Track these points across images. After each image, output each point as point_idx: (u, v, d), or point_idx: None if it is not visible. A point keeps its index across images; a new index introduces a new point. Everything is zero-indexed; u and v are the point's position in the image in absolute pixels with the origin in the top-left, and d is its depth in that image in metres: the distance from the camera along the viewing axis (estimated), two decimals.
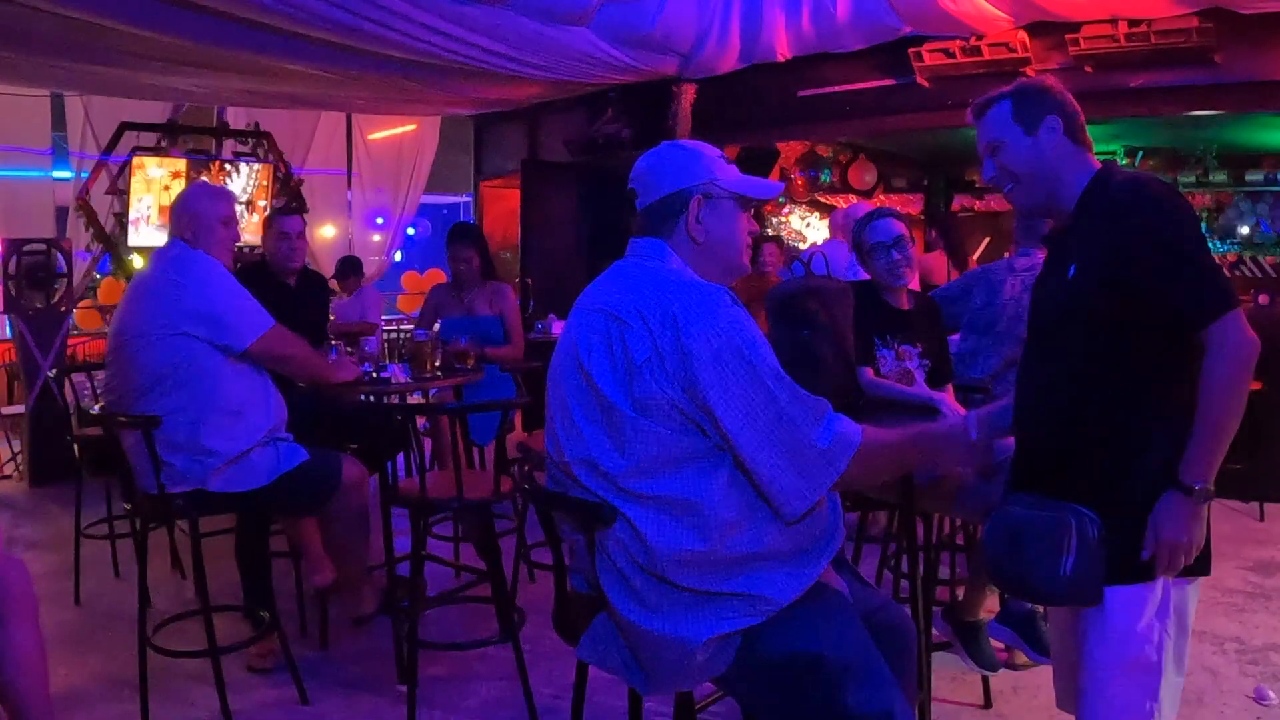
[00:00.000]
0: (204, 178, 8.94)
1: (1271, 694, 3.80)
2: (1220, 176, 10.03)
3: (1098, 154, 8.68)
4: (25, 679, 2.86)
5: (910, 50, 7.01)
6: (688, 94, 7.94)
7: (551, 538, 2.58)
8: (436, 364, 4.77)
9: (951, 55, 6.93)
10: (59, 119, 9.08)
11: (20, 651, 2.84)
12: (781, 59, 7.40)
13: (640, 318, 2.21)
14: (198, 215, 3.91)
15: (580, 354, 2.31)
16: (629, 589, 2.28)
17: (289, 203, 9.28)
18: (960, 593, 4.11)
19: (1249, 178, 9.89)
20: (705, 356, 2.14)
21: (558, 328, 6.65)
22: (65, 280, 7.90)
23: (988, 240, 9.33)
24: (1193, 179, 10.13)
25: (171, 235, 3.94)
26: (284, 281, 4.94)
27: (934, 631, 3.78)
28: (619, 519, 2.24)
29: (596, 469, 2.27)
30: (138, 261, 8.90)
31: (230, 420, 3.74)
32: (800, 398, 2.21)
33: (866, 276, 3.99)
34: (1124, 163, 10.29)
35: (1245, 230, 10.08)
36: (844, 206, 6.56)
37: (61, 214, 9.37)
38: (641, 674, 2.35)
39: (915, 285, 4.60)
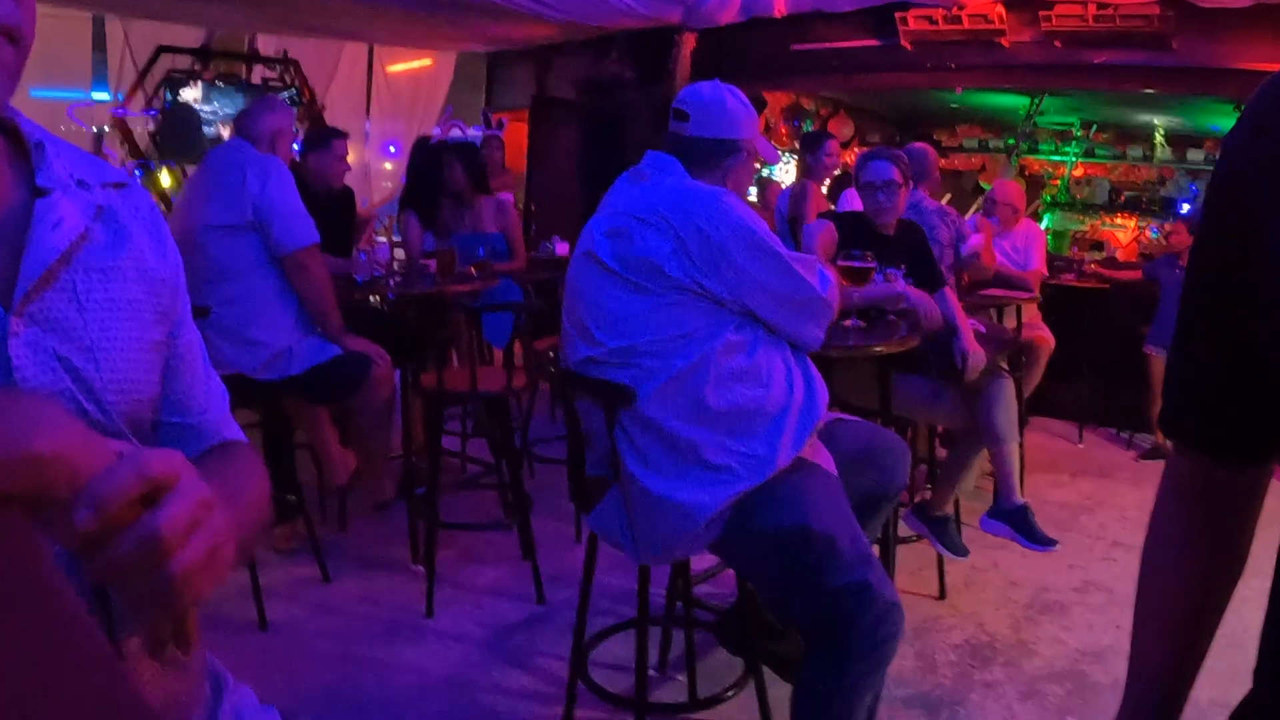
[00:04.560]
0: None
1: None
2: (1164, 154, 10.11)
3: (1057, 124, 8.71)
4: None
5: (896, 15, 7.00)
6: (689, 42, 7.92)
7: (570, 417, 2.65)
8: (452, 273, 4.79)
9: (934, 22, 6.94)
10: (99, 41, 8.91)
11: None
12: (778, 14, 7.37)
13: (662, 217, 2.36)
14: (271, 124, 3.90)
15: (601, 250, 2.42)
16: (649, 460, 2.37)
17: (312, 125, 9.17)
18: (920, 498, 4.24)
19: (1190, 157, 9.95)
20: (730, 243, 2.33)
21: (560, 248, 6.66)
22: None
23: (949, 196, 9.36)
24: (1140, 153, 10.21)
25: (235, 137, 3.92)
26: (317, 195, 4.91)
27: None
28: (640, 398, 2.33)
29: (619, 350, 2.39)
30: (166, 179, 8.79)
31: (280, 313, 3.74)
32: (802, 261, 2.46)
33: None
34: (1079, 134, 10.34)
35: (1186, 206, 10.17)
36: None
37: (99, 133, 9.23)
38: (634, 542, 2.45)
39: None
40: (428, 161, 5.52)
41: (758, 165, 2.76)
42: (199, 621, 1.03)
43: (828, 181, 6.36)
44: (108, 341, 1.01)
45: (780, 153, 9.96)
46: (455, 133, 8.68)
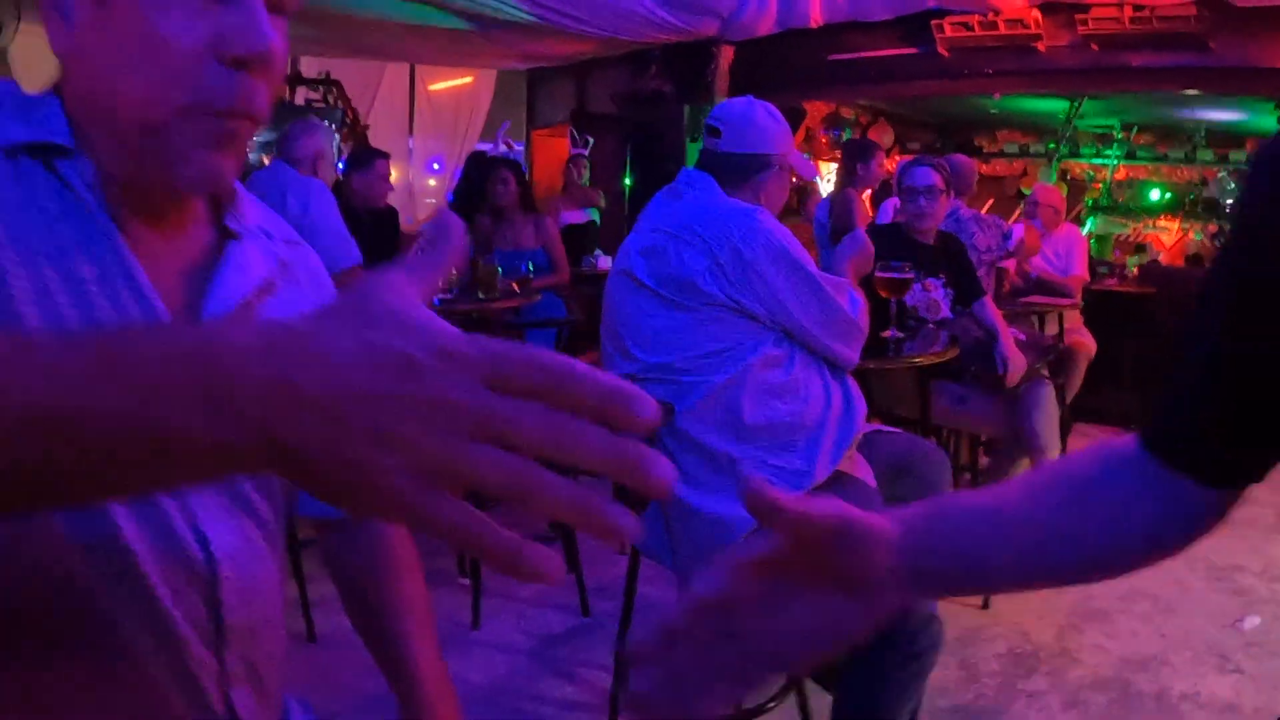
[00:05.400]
0: None
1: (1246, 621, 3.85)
2: (1206, 155, 9.98)
3: (1097, 127, 8.59)
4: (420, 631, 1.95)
5: (933, 22, 6.98)
6: (726, 54, 7.94)
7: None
8: (496, 290, 4.82)
9: (970, 28, 6.91)
10: None
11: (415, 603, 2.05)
12: (814, 25, 7.37)
13: (697, 234, 2.37)
14: (311, 147, 3.95)
15: (638, 268, 2.43)
16: (688, 475, 2.39)
17: (356, 145, 9.27)
18: None
19: (1233, 157, 9.83)
20: (763, 261, 2.33)
21: (603, 263, 6.68)
22: None
23: (990, 202, 9.32)
24: (1181, 155, 10.09)
25: (276, 160, 3.97)
26: (360, 215, 4.96)
27: None
28: (678, 413, 2.35)
29: (656, 366, 2.41)
30: None
31: None
32: (833, 283, 2.46)
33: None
34: (1119, 137, 10.24)
35: (1228, 204, 10.05)
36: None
37: None
38: (674, 556, 2.47)
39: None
40: (482, 175, 5.60)
41: (794, 180, 2.75)
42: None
43: (867, 192, 6.33)
44: None
45: (818, 164, 9.96)
46: (503, 148, 8.77)
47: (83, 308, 0.87)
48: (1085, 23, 6.55)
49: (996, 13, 6.77)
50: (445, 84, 10.22)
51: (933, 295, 3.83)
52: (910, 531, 0.82)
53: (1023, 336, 4.20)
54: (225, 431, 0.51)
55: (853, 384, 2.56)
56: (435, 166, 10.68)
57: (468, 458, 0.50)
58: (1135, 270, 7.48)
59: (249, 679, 1.01)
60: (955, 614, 3.78)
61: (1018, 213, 7.62)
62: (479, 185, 5.59)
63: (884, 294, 3.34)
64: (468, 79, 10.16)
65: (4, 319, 0.83)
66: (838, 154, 10.15)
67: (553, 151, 9.69)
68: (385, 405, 0.50)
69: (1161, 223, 10.40)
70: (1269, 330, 0.82)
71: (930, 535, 0.85)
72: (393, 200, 5.57)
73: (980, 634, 3.72)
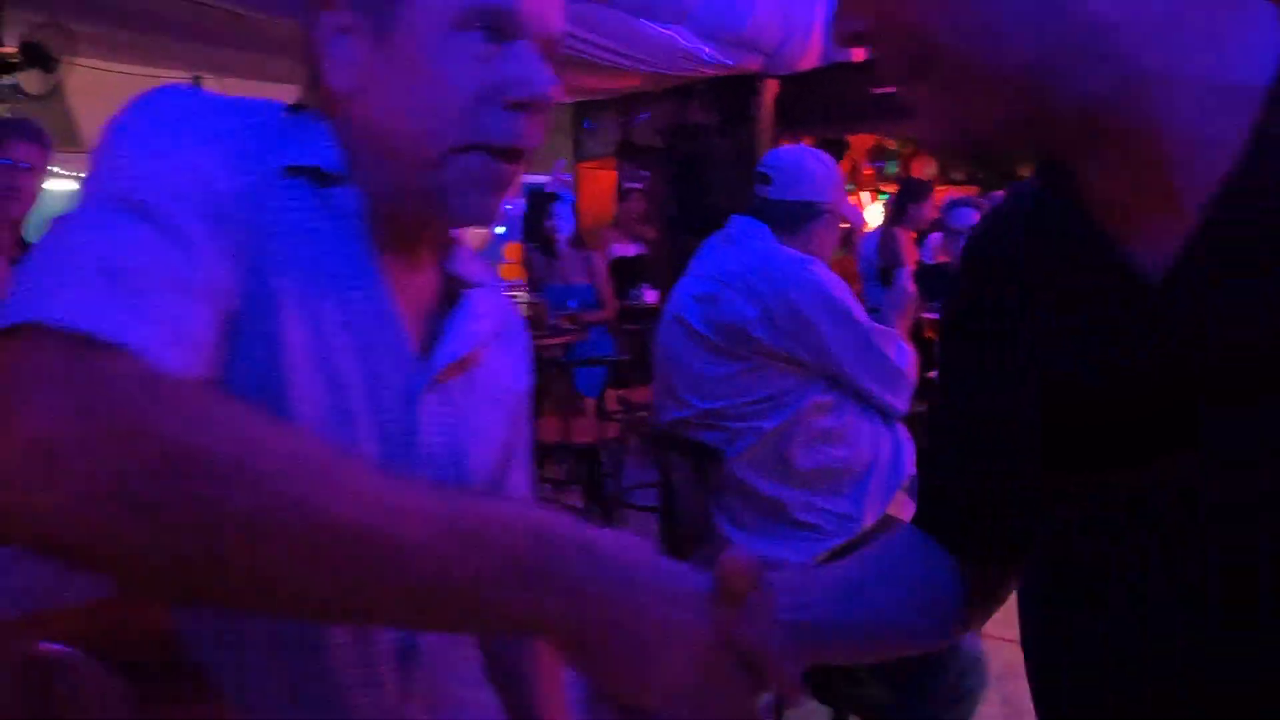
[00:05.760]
0: None
1: None
2: None
3: None
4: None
5: None
6: (771, 88, 7.99)
7: (664, 476, 2.73)
8: (545, 326, 4.91)
9: None
10: None
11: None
12: (857, 59, 7.41)
13: (748, 284, 2.41)
14: None
15: (690, 314, 2.48)
16: (737, 518, 2.44)
17: None
18: None
19: None
20: (815, 312, 2.38)
21: (649, 295, 6.74)
22: None
23: None
24: None
25: None
26: None
27: None
28: (728, 459, 2.40)
29: (708, 413, 2.45)
30: None
31: None
32: (881, 334, 2.51)
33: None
34: None
35: None
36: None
37: None
38: None
39: None
40: (542, 210, 5.73)
41: (843, 226, 2.80)
42: None
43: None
44: (478, 433, 1.04)
45: (865, 196, 9.98)
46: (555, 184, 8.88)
47: (350, 338, 0.91)
48: None
49: None
50: None
51: None
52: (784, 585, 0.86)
53: None
54: (537, 616, 0.60)
55: (901, 428, 2.60)
56: None
57: None
58: None
59: (427, 699, 1.05)
60: (996, 649, 3.78)
61: None
62: (541, 216, 5.72)
63: (930, 335, 3.38)
64: None
65: (269, 348, 0.85)
66: (882, 186, 10.20)
67: (599, 184, 9.74)
68: (668, 671, 0.64)
69: None
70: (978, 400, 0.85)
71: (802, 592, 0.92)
72: None
73: (1022, 669, 3.72)
